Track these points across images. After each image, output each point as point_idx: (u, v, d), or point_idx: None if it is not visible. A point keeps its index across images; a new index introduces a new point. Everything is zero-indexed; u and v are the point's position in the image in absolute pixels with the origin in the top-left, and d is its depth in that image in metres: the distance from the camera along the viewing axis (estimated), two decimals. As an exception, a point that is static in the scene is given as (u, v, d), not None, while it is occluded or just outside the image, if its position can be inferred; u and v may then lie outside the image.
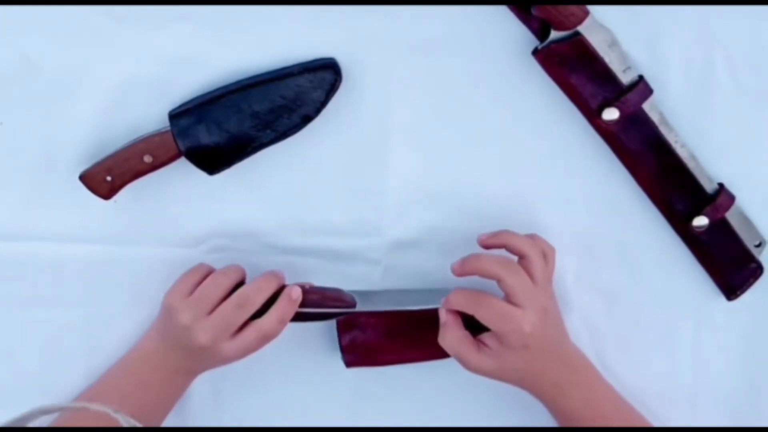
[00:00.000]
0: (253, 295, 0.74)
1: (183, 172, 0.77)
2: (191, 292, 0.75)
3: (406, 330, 0.81)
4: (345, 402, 0.85)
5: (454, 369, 0.81)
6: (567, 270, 0.82)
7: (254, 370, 0.83)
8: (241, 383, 0.83)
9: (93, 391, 0.80)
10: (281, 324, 0.74)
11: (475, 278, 0.74)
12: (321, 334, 0.83)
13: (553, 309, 0.77)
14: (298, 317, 0.75)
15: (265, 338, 0.75)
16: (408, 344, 0.81)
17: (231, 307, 0.74)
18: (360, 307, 0.77)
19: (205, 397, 0.84)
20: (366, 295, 0.78)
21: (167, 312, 0.76)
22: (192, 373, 0.80)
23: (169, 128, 0.75)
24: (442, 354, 0.81)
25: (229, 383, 0.84)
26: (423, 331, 0.80)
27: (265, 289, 0.75)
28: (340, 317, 0.80)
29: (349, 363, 0.81)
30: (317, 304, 0.76)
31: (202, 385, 0.82)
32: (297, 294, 0.75)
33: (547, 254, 0.77)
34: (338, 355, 0.81)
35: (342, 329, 0.81)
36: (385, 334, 0.80)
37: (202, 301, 0.74)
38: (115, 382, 0.80)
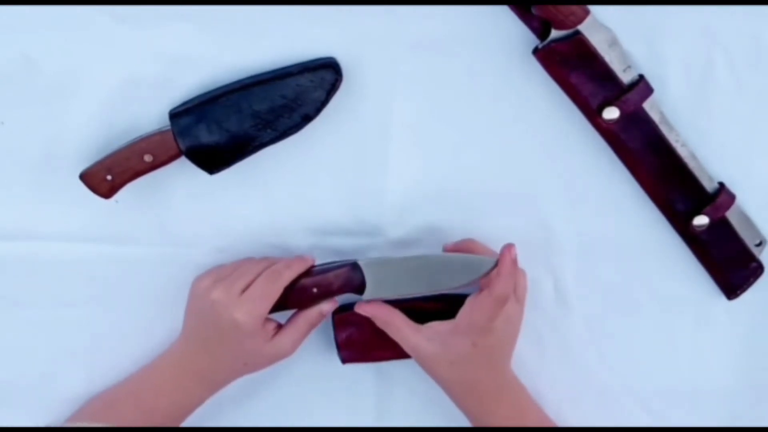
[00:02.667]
0: (282, 270, 0.75)
1: (183, 172, 0.77)
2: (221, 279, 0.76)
3: None
4: (342, 399, 0.85)
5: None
6: (567, 270, 0.82)
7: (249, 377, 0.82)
8: (239, 382, 0.83)
9: (110, 395, 0.80)
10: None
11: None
12: (317, 330, 0.83)
13: (517, 323, 0.78)
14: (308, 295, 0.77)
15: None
16: None
17: (263, 281, 0.74)
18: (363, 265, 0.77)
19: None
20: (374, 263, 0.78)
21: (198, 293, 0.76)
22: (211, 383, 0.78)
23: (169, 127, 0.75)
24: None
25: (225, 394, 0.83)
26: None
27: (294, 268, 0.76)
28: (336, 315, 0.80)
29: (346, 359, 0.81)
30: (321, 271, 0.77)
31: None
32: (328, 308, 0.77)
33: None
34: (334, 351, 0.81)
35: (338, 326, 0.81)
36: (380, 330, 0.80)
37: (236, 282, 0.75)
38: (131, 388, 0.80)
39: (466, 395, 0.78)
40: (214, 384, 0.79)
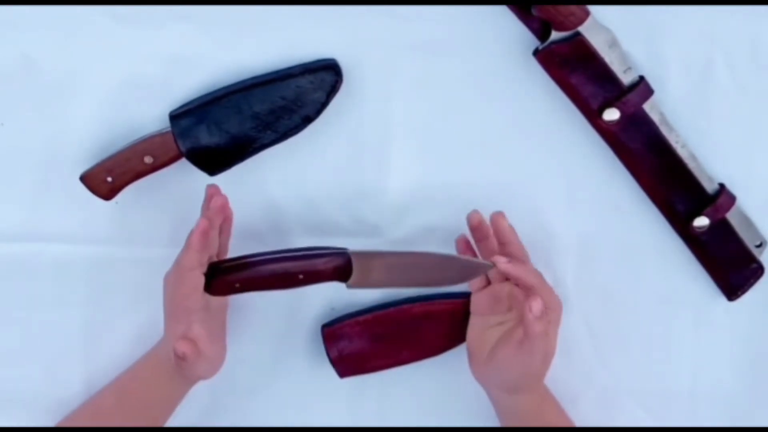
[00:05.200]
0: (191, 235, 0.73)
1: (184, 173, 0.77)
2: None
3: (391, 333, 0.80)
4: (343, 410, 0.85)
5: (450, 368, 0.81)
6: (567, 270, 0.82)
7: (250, 382, 0.82)
8: (239, 383, 0.83)
9: (95, 401, 0.80)
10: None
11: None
12: (314, 345, 0.83)
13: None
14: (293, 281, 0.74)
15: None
16: (396, 347, 0.80)
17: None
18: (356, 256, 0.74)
19: (202, 415, 0.83)
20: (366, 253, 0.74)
21: None
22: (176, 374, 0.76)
23: (169, 129, 0.75)
24: (431, 352, 0.81)
25: (225, 398, 0.83)
26: (409, 332, 0.80)
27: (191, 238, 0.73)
28: (326, 329, 0.80)
29: (342, 373, 0.81)
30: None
31: (199, 403, 0.82)
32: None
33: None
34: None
35: (328, 341, 0.80)
36: (372, 340, 0.80)
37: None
38: (115, 389, 0.79)
39: (544, 397, 0.79)
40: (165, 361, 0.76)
